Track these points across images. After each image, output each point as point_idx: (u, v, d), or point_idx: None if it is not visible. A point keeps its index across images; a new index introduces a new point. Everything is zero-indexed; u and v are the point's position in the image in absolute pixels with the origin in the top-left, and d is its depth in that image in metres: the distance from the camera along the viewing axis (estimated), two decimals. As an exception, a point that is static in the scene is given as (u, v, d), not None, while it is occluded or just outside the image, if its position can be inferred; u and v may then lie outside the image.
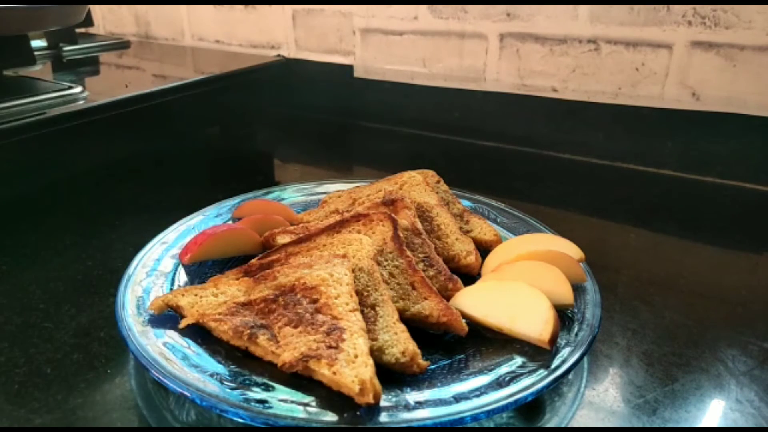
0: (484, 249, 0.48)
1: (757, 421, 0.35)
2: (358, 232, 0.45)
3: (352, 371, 0.31)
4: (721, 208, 0.67)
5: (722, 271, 0.54)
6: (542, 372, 0.34)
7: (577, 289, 0.41)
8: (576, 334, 0.37)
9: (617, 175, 0.75)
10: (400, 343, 0.35)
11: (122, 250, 0.51)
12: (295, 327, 0.35)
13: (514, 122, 0.83)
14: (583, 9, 0.73)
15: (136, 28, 1.17)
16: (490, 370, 0.35)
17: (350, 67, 0.94)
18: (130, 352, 0.35)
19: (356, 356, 0.32)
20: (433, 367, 0.36)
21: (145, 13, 1.14)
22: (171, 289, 0.42)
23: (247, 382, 0.33)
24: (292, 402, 0.32)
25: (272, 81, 0.93)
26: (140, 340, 0.35)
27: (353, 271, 0.39)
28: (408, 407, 0.32)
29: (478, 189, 0.59)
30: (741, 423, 0.35)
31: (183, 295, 0.39)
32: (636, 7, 0.70)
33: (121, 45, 1.05)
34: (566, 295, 0.39)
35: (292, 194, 0.59)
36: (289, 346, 0.34)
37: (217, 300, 0.38)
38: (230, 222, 0.53)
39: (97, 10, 1.18)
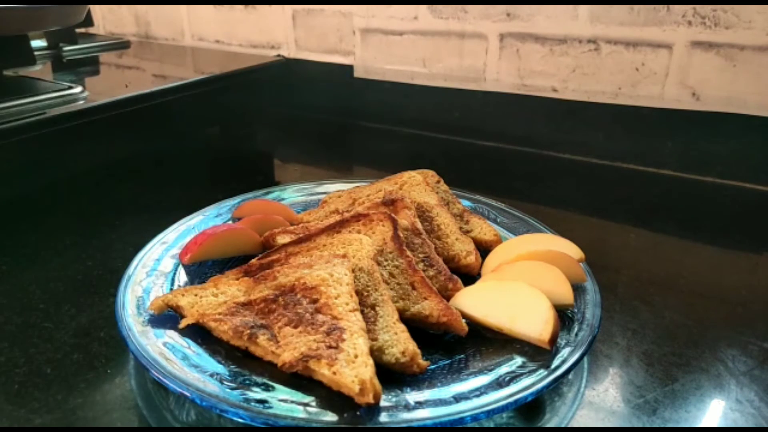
0: (484, 249, 0.48)
1: (757, 421, 0.35)
2: (358, 232, 0.45)
3: (352, 371, 0.31)
4: (721, 208, 0.67)
5: (722, 271, 0.54)
6: (542, 372, 0.34)
7: (577, 289, 0.41)
8: (576, 334, 0.37)
9: (617, 175, 0.75)
10: (400, 343, 0.35)
11: (122, 250, 0.51)
12: (295, 327, 0.35)
13: (514, 122, 0.83)
14: (583, 9, 0.73)
15: (136, 28, 1.17)
16: (490, 370, 0.35)
17: (350, 67, 0.94)
18: (130, 352, 0.35)
19: (356, 356, 0.32)
20: (433, 367, 0.36)
21: (145, 13, 1.14)
22: (171, 289, 0.42)
23: (247, 382, 0.33)
24: (292, 402, 0.32)
25: (272, 81, 0.93)
26: (140, 340, 0.35)
27: (353, 271, 0.39)
28: (408, 407, 0.32)
29: (478, 189, 0.59)
30: (741, 423, 0.35)
31: (183, 295, 0.39)
32: (636, 7, 0.70)
33: (121, 45, 1.05)
34: (566, 295, 0.39)
35: (292, 194, 0.59)
36: (289, 346, 0.34)
37: (217, 300, 0.38)
38: (230, 222, 0.53)
39: (97, 10, 1.18)
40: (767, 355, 0.40)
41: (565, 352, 0.35)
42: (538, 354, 0.36)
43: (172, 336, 0.37)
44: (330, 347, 0.33)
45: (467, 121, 0.86)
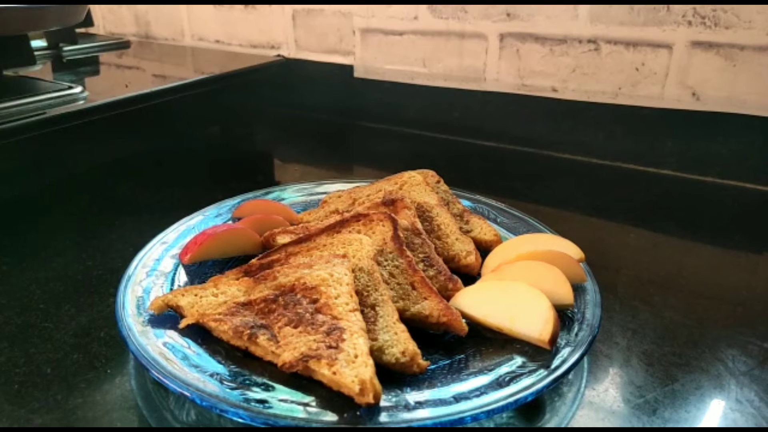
0: (484, 249, 0.48)
1: (757, 421, 0.35)
2: (358, 232, 0.45)
3: (352, 371, 0.31)
4: (721, 208, 0.67)
5: (722, 271, 0.54)
6: (542, 372, 0.34)
7: (577, 289, 0.41)
8: (576, 334, 0.37)
9: (617, 175, 0.75)
10: (400, 343, 0.35)
11: (122, 250, 0.51)
12: (295, 327, 0.35)
13: (514, 122, 0.83)
14: (583, 9, 0.73)
15: (136, 28, 1.17)
16: (490, 370, 0.35)
17: (350, 67, 0.94)
18: (130, 352, 0.35)
19: (356, 356, 0.32)
20: (433, 367, 0.36)
21: (145, 13, 1.14)
22: (171, 289, 0.42)
23: (247, 382, 0.33)
24: (292, 402, 0.32)
25: (272, 81, 0.93)
26: (140, 340, 0.35)
27: (353, 271, 0.39)
28: (408, 407, 0.32)
29: (478, 189, 0.59)
30: (741, 423, 0.35)
31: (183, 295, 0.39)
32: (636, 7, 0.70)
33: (121, 45, 1.05)
34: (566, 295, 0.39)
35: (292, 194, 0.59)
36: (289, 346, 0.34)
37: (217, 300, 0.38)
38: (230, 222, 0.53)
39: (97, 10, 1.18)
40: (767, 355, 0.40)
41: (565, 352, 0.35)
42: (538, 354, 0.36)
43: (172, 336, 0.37)
44: (330, 347, 0.33)
45: (467, 121, 0.86)
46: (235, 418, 0.30)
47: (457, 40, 0.83)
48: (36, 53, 0.74)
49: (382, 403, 0.32)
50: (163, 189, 0.68)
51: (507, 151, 0.83)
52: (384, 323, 0.36)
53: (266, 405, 0.31)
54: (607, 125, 0.76)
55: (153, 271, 0.44)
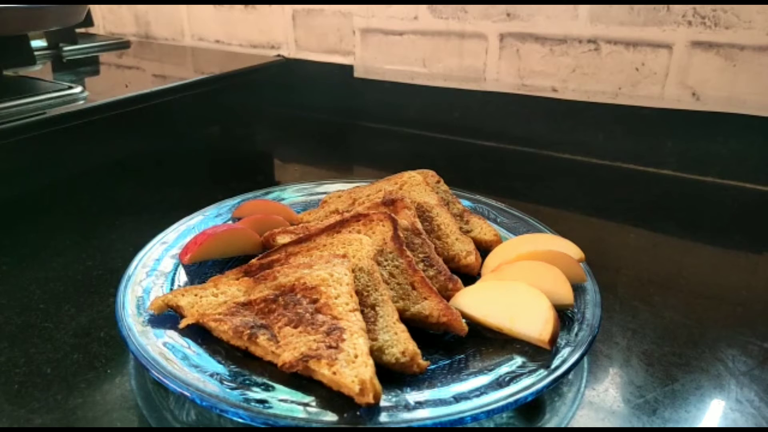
0: (484, 249, 0.48)
1: (757, 421, 0.35)
2: (358, 232, 0.45)
3: (352, 371, 0.31)
4: (721, 208, 0.67)
5: (722, 271, 0.54)
6: (542, 372, 0.34)
7: (577, 289, 0.41)
8: (576, 334, 0.37)
9: (617, 175, 0.75)
10: (400, 343, 0.35)
11: (122, 250, 0.51)
12: (295, 327, 0.35)
13: (514, 122, 0.83)
14: (583, 9, 0.73)
15: (136, 28, 1.17)
16: (490, 370, 0.35)
17: (350, 67, 0.94)
18: (130, 352, 0.35)
19: (356, 356, 0.32)
20: (433, 367, 0.36)
21: (145, 13, 1.14)
22: (171, 289, 0.42)
23: (247, 382, 0.33)
24: (292, 402, 0.32)
25: (272, 81, 0.93)
26: (140, 340, 0.35)
27: (353, 271, 0.39)
28: (408, 407, 0.32)
29: (478, 189, 0.59)
30: (741, 423, 0.35)
31: (183, 295, 0.39)
32: (636, 7, 0.70)
33: (121, 45, 1.05)
34: (566, 295, 0.39)
35: (292, 194, 0.59)
36: (289, 346, 0.34)
37: (217, 300, 0.38)
38: (230, 222, 0.53)
39: (97, 10, 1.18)
40: (767, 355, 0.40)
41: (565, 352, 0.35)
42: (538, 354, 0.36)
43: (172, 336, 0.37)
44: (330, 347, 0.33)
45: (467, 121, 0.86)
46: (235, 418, 0.30)
47: (457, 40, 0.83)
48: (36, 53, 0.74)
49: (382, 403, 0.32)
50: (163, 189, 0.68)
51: (507, 151, 0.83)
52: (384, 323, 0.36)
53: (266, 405, 0.31)
54: (607, 125, 0.76)
55: (153, 271, 0.44)
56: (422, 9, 0.83)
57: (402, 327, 0.36)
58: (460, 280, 0.43)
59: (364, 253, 0.41)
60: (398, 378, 0.34)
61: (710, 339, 0.42)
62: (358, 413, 0.31)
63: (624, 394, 0.37)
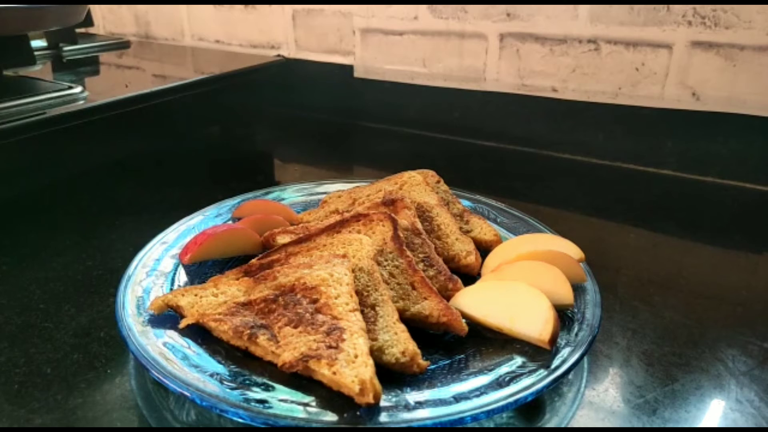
0: (484, 249, 0.48)
1: (757, 421, 0.35)
2: (358, 232, 0.45)
3: (352, 371, 0.31)
4: (721, 208, 0.67)
5: (722, 271, 0.54)
6: (542, 372, 0.34)
7: (577, 289, 0.41)
8: (576, 334, 0.37)
9: (617, 175, 0.75)
10: (400, 343, 0.35)
11: (122, 250, 0.51)
12: (295, 327, 0.35)
13: (514, 122, 0.83)
14: (583, 9, 0.73)
15: (136, 28, 1.17)
16: (490, 370, 0.35)
17: (350, 67, 0.94)
18: (130, 352, 0.35)
19: (356, 356, 0.32)
20: (433, 367, 0.36)
21: (145, 13, 1.14)
22: (171, 289, 0.42)
23: (247, 382, 0.33)
24: (292, 402, 0.32)
25: (272, 81, 0.93)
26: (140, 340, 0.35)
27: (353, 271, 0.39)
28: (408, 407, 0.32)
29: (478, 189, 0.59)
30: (741, 423, 0.35)
31: (183, 295, 0.39)
32: (636, 7, 0.70)
33: (121, 45, 1.05)
34: (566, 295, 0.39)
35: (292, 194, 0.59)
36: (289, 346, 0.34)
37: (217, 300, 0.38)
38: (230, 222, 0.53)
39: (97, 10, 1.18)
40: (767, 355, 0.40)
41: (565, 352, 0.35)
42: (538, 354, 0.36)
43: (172, 336, 0.37)
44: (330, 347, 0.33)
45: (467, 121, 0.86)
46: (235, 418, 0.30)
47: (457, 40, 0.83)
48: (36, 53, 0.74)
49: (382, 403, 0.32)
50: (163, 189, 0.68)
51: (507, 151, 0.83)
52: (384, 323, 0.36)
53: (266, 405, 0.31)
54: (607, 125, 0.76)
55: (153, 271, 0.44)
56: (422, 9, 0.83)
57: (402, 327, 0.36)
58: (460, 280, 0.43)
59: (364, 253, 0.41)
60: (398, 378, 0.34)
61: (710, 339, 0.42)
62: (358, 413, 0.31)
63: (624, 394, 0.37)
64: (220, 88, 0.81)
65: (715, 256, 0.57)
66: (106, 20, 1.20)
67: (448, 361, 0.36)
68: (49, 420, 0.34)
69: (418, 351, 0.35)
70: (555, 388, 0.36)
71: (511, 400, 0.32)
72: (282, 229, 0.49)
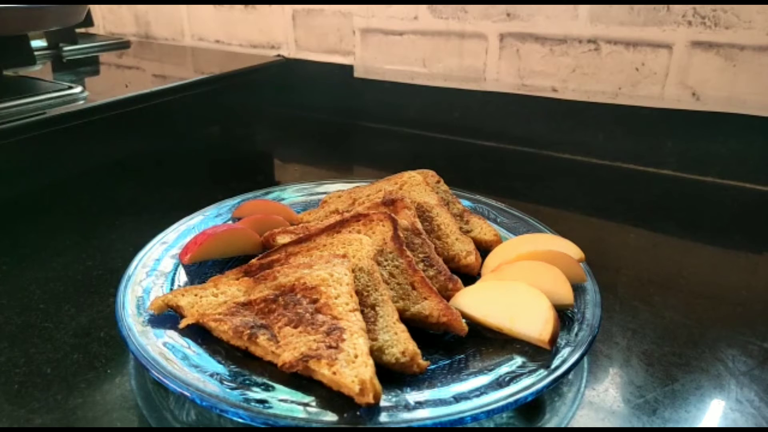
0: (484, 249, 0.48)
1: (757, 421, 0.35)
2: (358, 232, 0.45)
3: (352, 371, 0.31)
4: (721, 208, 0.67)
5: (722, 271, 0.54)
6: (542, 372, 0.34)
7: (577, 289, 0.41)
8: (576, 334, 0.37)
9: (617, 175, 0.75)
10: (400, 343, 0.35)
11: (122, 250, 0.51)
12: (295, 327, 0.35)
13: (514, 122, 0.83)
14: (583, 9, 0.73)
15: (136, 28, 1.17)
16: (490, 370, 0.35)
17: (350, 67, 0.94)
18: (130, 352, 0.35)
19: (356, 356, 0.32)
20: (433, 367, 0.36)
21: (145, 13, 1.14)
22: (171, 289, 0.42)
23: (247, 382, 0.33)
24: (292, 402, 0.32)
25: (272, 81, 0.93)
26: (140, 340, 0.35)
27: (353, 271, 0.39)
28: (408, 407, 0.32)
29: (478, 189, 0.59)
30: (741, 423, 0.35)
31: (183, 295, 0.39)
32: (636, 7, 0.70)
33: (121, 45, 1.05)
34: (566, 295, 0.39)
35: (292, 194, 0.59)
36: (289, 346, 0.34)
37: (217, 300, 0.38)
38: (230, 222, 0.53)
39: (97, 10, 1.18)
40: (767, 355, 0.40)
41: (565, 352, 0.35)
42: (538, 354, 0.36)
43: (172, 336, 0.37)
44: (330, 347, 0.33)
45: (467, 121, 0.86)
46: (235, 418, 0.30)
47: (457, 40, 0.83)
48: (36, 53, 0.74)
49: (382, 403, 0.32)
50: (163, 189, 0.68)
51: (507, 151, 0.83)
52: (384, 323, 0.36)
53: (266, 405, 0.31)
54: (607, 125, 0.76)
55: (153, 271, 0.44)
56: (422, 9, 0.83)
57: (402, 327, 0.36)
58: (460, 280, 0.43)
59: (364, 253, 0.41)
60: (398, 378, 0.34)
61: (710, 339, 0.42)
62: (358, 413, 0.31)
63: (624, 394, 0.37)
64: (220, 88, 0.81)
65: (715, 256, 0.57)
66: (106, 20, 1.20)
67: (448, 361, 0.36)
68: (49, 420, 0.34)
69: (418, 351, 0.35)
70: (555, 388, 0.36)
71: (511, 400, 0.32)
72: (282, 229, 0.49)
